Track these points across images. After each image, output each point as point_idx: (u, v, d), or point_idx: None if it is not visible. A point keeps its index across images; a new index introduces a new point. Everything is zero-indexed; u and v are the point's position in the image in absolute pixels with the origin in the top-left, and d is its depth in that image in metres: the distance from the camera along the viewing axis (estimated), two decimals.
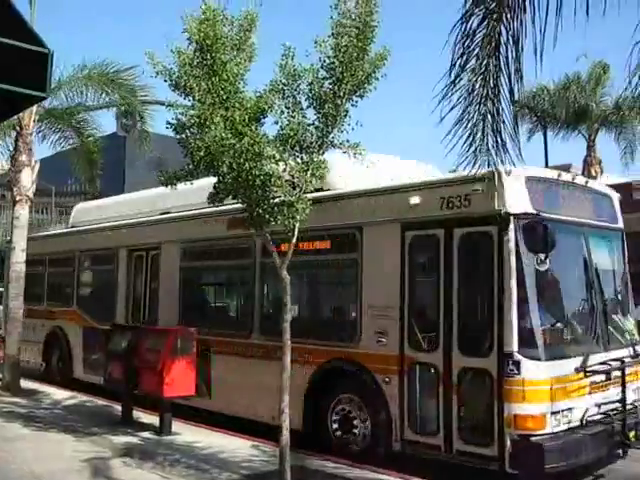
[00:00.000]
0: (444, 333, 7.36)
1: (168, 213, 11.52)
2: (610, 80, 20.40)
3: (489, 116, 6.18)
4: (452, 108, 6.06)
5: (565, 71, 20.56)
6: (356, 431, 8.11)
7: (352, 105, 6.38)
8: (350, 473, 7.25)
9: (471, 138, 6.23)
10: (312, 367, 8.41)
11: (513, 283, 6.92)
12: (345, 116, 6.30)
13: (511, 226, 7.01)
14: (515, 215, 7.06)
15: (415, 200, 7.73)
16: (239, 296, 10.75)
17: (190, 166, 6.49)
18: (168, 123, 6.56)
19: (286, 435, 6.27)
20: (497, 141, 6.26)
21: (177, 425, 9.19)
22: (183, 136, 6.48)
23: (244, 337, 9.52)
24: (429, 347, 7.54)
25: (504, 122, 6.24)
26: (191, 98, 6.34)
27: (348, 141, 6.32)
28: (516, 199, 7.12)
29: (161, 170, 6.78)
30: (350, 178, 8.67)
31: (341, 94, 6.19)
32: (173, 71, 6.39)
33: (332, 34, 6.21)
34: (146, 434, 8.99)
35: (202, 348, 9.39)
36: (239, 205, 6.84)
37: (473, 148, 6.24)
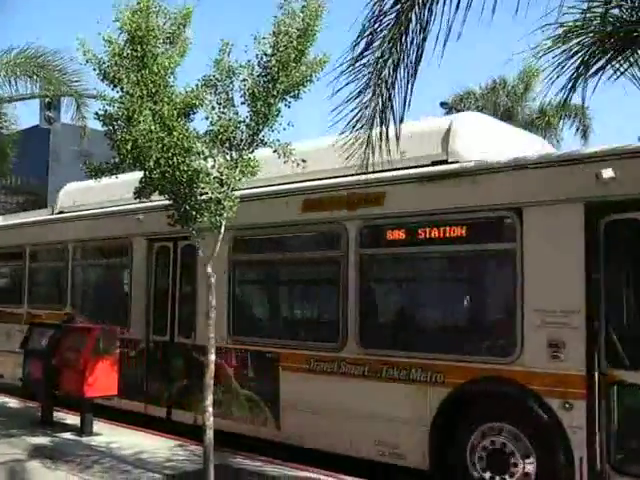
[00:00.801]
0: None
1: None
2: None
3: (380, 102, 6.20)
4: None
5: (492, 75, 21.04)
6: (516, 472, 6.18)
7: (285, 105, 6.38)
8: (275, 471, 7.23)
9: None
10: (443, 389, 6.56)
11: None
12: (277, 115, 6.29)
13: None
14: None
15: (609, 173, 5.82)
16: (323, 298, 8.56)
17: (117, 159, 6.36)
18: (96, 114, 6.42)
19: (209, 434, 6.21)
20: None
21: (99, 425, 8.98)
22: (110, 128, 6.34)
23: (332, 350, 7.44)
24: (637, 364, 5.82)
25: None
26: (120, 89, 6.22)
27: (279, 140, 6.31)
28: None
29: (86, 162, 6.62)
30: (478, 146, 7.13)
31: (275, 93, 6.18)
32: (103, 60, 6.25)
33: (273, 32, 6.19)
34: (67, 435, 8.76)
35: (267, 364, 7.98)
36: (319, 183, 6.89)
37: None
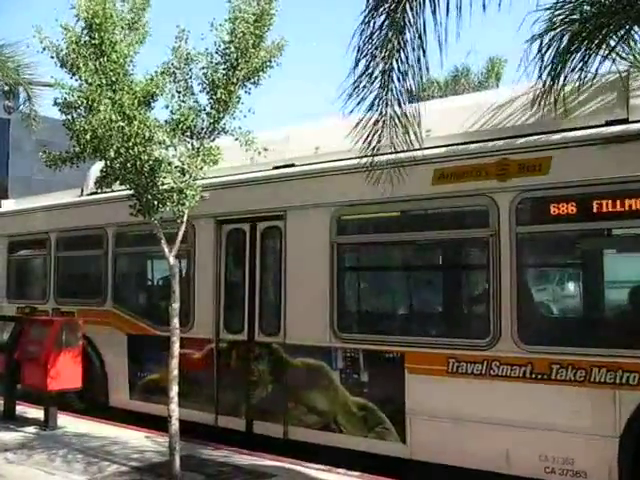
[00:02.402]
0: None
1: (292, 166, 7.80)
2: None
3: (396, 115, 5.91)
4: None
5: (455, 64, 21.23)
6: None
7: (245, 92, 6.34)
8: (241, 460, 7.22)
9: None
10: (637, 395, 5.35)
11: None
12: (238, 103, 6.25)
13: None
14: None
15: None
16: (464, 285, 7.25)
17: (76, 149, 6.26)
18: (55, 103, 6.31)
19: (175, 424, 6.20)
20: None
21: (63, 419, 8.86)
22: (69, 117, 6.24)
23: (480, 348, 6.17)
24: None
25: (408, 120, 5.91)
26: (78, 78, 6.12)
27: (240, 128, 6.27)
28: None
29: (44, 150, 6.50)
30: None
31: (234, 80, 6.14)
32: (60, 48, 6.13)
33: (229, 19, 6.14)
34: (31, 429, 8.63)
35: (387, 366, 6.74)
36: (454, 148, 6.11)
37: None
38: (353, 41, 5.59)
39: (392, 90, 5.78)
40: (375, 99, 5.78)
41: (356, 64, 5.64)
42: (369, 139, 5.86)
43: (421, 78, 5.69)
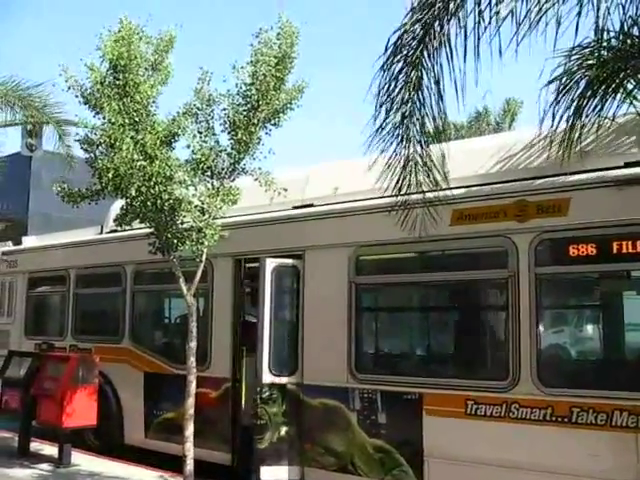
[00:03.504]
0: None
1: (311, 206, 7.82)
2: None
3: (417, 157, 6.02)
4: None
5: (475, 106, 21.43)
6: None
7: (266, 133, 6.43)
8: None
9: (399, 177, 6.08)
10: None
11: None
12: (258, 143, 6.34)
13: None
14: None
15: None
16: (482, 326, 7.06)
17: (97, 186, 6.36)
18: (78, 140, 6.43)
19: (190, 464, 6.15)
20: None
21: (76, 456, 8.80)
22: (92, 155, 6.36)
23: (499, 390, 6.00)
24: None
25: (432, 162, 6.01)
26: (102, 117, 6.24)
27: (260, 169, 6.34)
28: None
29: (60, 185, 6.57)
30: None
31: (255, 121, 6.24)
32: (85, 87, 6.27)
33: (251, 61, 6.26)
34: (44, 466, 8.57)
35: (405, 408, 6.60)
36: (474, 189, 6.16)
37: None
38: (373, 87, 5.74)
39: (414, 134, 5.87)
40: (397, 140, 5.89)
41: (377, 108, 5.75)
42: (395, 181, 5.96)
43: (442, 120, 5.77)
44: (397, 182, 5.98)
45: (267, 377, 7.23)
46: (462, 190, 6.53)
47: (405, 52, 5.69)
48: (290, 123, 6.50)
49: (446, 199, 6.25)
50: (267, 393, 7.24)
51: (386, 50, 5.69)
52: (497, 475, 5.95)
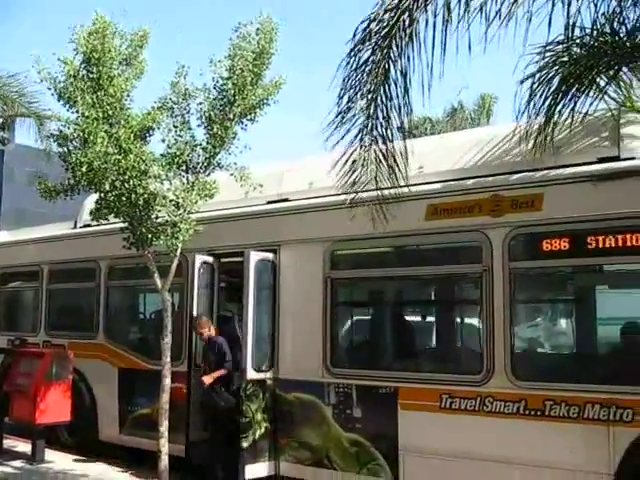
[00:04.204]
0: None
1: (285, 200, 7.77)
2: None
3: (380, 153, 5.97)
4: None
5: (450, 102, 21.49)
6: None
7: (242, 128, 6.41)
8: None
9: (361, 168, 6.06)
10: (632, 430, 5.26)
11: None
12: (234, 138, 6.31)
13: None
14: None
15: None
16: (456, 320, 7.21)
17: (71, 181, 6.30)
18: (51, 135, 6.37)
19: (165, 460, 6.12)
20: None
21: (50, 453, 8.72)
22: (65, 150, 6.30)
23: (472, 384, 6.05)
24: None
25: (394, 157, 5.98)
26: (75, 111, 6.18)
27: (235, 164, 6.32)
28: None
29: (40, 181, 6.52)
30: None
31: (231, 116, 6.21)
32: (59, 80, 6.21)
33: (229, 55, 6.24)
34: (17, 463, 8.47)
35: (380, 402, 6.62)
36: (449, 184, 6.15)
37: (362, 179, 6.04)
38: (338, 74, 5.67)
39: (376, 127, 5.85)
40: (359, 134, 5.84)
41: (340, 97, 5.71)
42: (351, 175, 5.94)
43: (407, 115, 5.77)
44: (354, 177, 5.97)
45: (251, 373, 7.17)
46: (437, 185, 6.54)
47: (374, 41, 5.64)
48: (284, 118, 6.49)
49: (420, 194, 6.30)
50: (251, 390, 7.17)
51: (354, 36, 5.64)
52: (472, 468, 5.99)
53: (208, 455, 7.16)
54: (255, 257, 7.35)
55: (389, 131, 5.89)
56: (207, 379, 7.06)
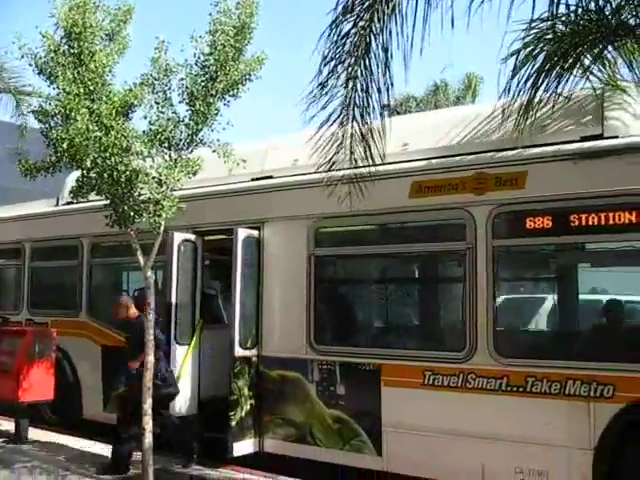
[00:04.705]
0: None
1: (270, 178, 7.80)
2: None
3: (356, 125, 5.99)
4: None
5: (434, 79, 21.40)
6: None
7: (224, 104, 6.34)
8: (213, 474, 7.15)
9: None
10: (612, 405, 5.33)
11: None
12: (216, 115, 6.25)
13: None
14: None
15: None
16: (439, 297, 7.33)
17: (52, 158, 6.22)
18: (32, 111, 6.28)
19: (149, 437, 6.14)
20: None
21: (34, 432, 8.72)
22: (46, 126, 6.22)
23: (455, 360, 6.14)
24: None
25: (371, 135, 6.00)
26: (56, 86, 6.09)
27: (218, 140, 6.26)
28: None
29: (20, 159, 6.44)
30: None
31: (213, 92, 6.14)
32: (39, 56, 6.11)
33: (209, 31, 6.15)
34: (0, 442, 8.50)
35: (363, 379, 6.70)
36: (434, 162, 6.10)
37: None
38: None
39: (356, 101, 5.83)
40: (339, 109, 5.85)
41: (320, 71, 5.69)
42: (328, 153, 5.97)
43: (387, 91, 5.74)
44: (333, 154, 6.00)
45: (239, 350, 7.20)
46: (421, 162, 6.55)
47: (356, 13, 5.60)
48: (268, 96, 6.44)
49: (404, 171, 6.34)
50: (238, 367, 7.20)
51: (336, 7, 5.61)
52: (454, 444, 6.08)
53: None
54: (243, 234, 7.34)
55: (369, 106, 5.86)
56: (132, 364, 6.99)
